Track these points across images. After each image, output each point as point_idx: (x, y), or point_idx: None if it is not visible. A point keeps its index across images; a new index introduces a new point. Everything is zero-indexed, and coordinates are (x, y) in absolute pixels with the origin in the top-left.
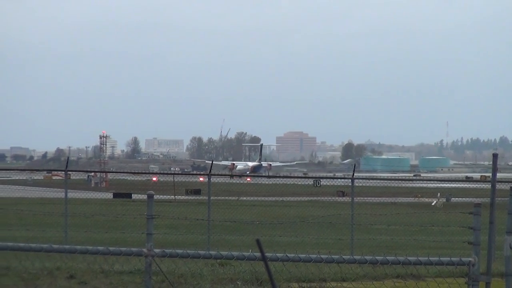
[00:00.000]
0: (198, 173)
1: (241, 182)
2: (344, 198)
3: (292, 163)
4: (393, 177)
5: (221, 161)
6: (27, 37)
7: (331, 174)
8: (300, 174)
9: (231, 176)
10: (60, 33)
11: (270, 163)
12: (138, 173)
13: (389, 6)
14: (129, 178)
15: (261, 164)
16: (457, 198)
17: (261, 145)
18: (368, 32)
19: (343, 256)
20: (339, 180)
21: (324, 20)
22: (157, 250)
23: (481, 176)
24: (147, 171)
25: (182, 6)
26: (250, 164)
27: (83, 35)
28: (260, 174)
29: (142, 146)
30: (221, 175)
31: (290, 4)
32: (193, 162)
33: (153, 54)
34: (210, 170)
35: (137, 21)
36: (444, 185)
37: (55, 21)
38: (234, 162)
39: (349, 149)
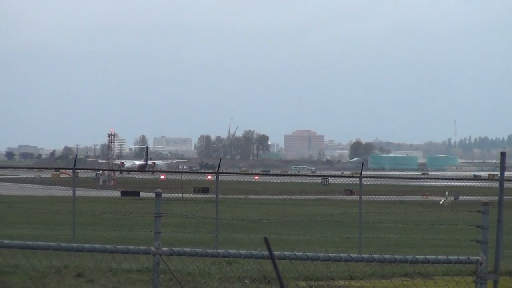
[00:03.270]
0: (206, 171)
1: (250, 180)
2: (352, 196)
3: (173, 161)
4: (401, 176)
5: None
6: (36, 37)
7: (339, 173)
8: (308, 172)
9: (121, 171)
10: (69, 33)
11: (154, 161)
12: (146, 171)
13: (398, 8)
14: (137, 177)
15: (147, 163)
16: (465, 197)
17: (147, 146)
18: (377, 33)
19: (351, 255)
20: (347, 178)
21: (335, 21)
22: (165, 249)
23: (489, 174)
24: (155, 169)
25: (191, 7)
26: (137, 162)
27: (92, 35)
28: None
29: (150, 144)
30: (230, 173)
31: (301, 5)
32: (201, 160)
33: (161, 53)
34: (218, 168)
35: (147, 21)
36: (452, 183)
37: (64, 21)
38: (123, 161)
39: (357, 148)
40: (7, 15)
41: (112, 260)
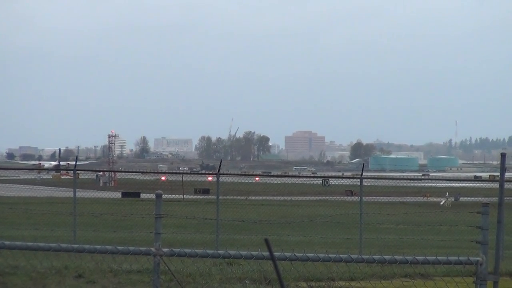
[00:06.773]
0: (207, 172)
1: (250, 181)
2: (352, 197)
3: (85, 162)
4: (401, 177)
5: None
6: (37, 40)
7: (339, 174)
8: (309, 173)
9: (39, 171)
10: (69, 36)
11: (69, 162)
12: (146, 172)
13: (397, 12)
14: (137, 178)
15: (60, 164)
16: (465, 198)
17: (59, 149)
18: (377, 35)
19: (352, 255)
20: (348, 179)
21: (336, 25)
22: (165, 250)
23: (489, 175)
24: (156, 171)
25: (192, 9)
26: (53, 163)
27: (92, 38)
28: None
29: (151, 145)
30: (230, 174)
31: (302, 9)
32: (202, 161)
33: (162, 55)
34: (219, 170)
35: (147, 23)
36: (453, 184)
37: (62, 25)
38: (41, 162)
39: (357, 149)
40: (13, 19)
41: (113, 261)
